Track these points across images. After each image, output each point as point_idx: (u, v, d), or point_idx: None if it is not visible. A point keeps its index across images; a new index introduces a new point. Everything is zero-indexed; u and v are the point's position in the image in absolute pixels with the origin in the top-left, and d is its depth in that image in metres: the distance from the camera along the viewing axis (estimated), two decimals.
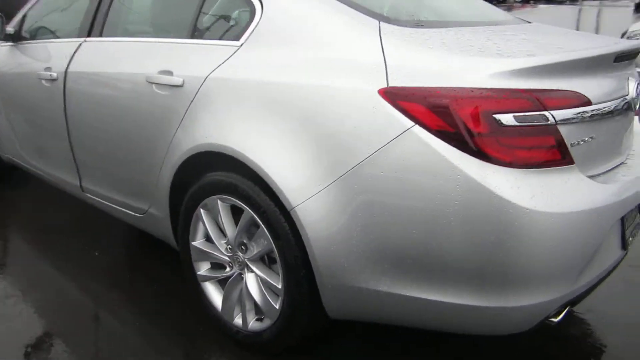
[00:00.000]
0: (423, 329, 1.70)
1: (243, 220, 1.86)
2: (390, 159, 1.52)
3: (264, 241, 1.82)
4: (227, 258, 2.00)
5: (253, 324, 1.98)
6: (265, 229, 1.79)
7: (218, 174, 1.91)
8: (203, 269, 2.12)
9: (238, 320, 2.02)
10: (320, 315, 1.79)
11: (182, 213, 2.09)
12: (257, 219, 1.80)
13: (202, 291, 2.13)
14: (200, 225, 2.06)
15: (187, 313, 2.27)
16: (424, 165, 1.49)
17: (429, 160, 1.48)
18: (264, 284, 1.90)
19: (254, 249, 1.88)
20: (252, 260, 1.91)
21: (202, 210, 2.01)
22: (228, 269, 2.02)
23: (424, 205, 1.49)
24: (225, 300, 2.04)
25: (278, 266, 1.80)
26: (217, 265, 2.10)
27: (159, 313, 2.29)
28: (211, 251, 2.05)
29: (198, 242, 2.09)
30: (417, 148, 1.49)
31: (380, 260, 1.59)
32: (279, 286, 1.82)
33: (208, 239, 2.08)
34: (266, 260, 1.92)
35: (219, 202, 1.93)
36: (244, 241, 1.91)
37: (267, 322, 1.93)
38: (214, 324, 2.12)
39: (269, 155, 1.72)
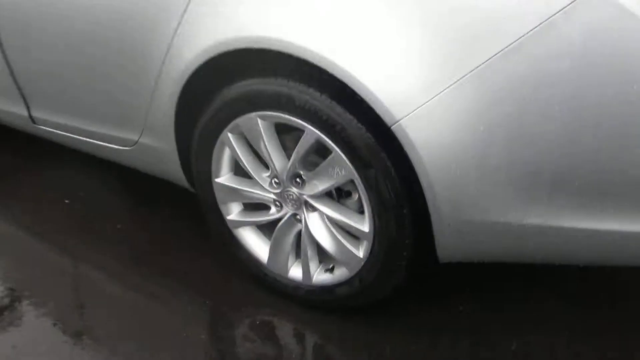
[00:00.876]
0: (573, 264, 1.30)
1: (303, 144, 1.32)
2: (558, 39, 1.00)
3: (340, 171, 1.30)
4: (272, 196, 1.48)
5: (319, 276, 1.51)
6: (342, 155, 1.27)
7: (258, 81, 1.33)
8: (234, 211, 1.59)
9: (295, 273, 1.55)
10: (425, 260, 1.35)
11: (197, 141, 1.52)
12: (328, 141, 1.28)
13: (236, 241, 1.62)
14: (227, 154, 1.50)
15: (216, 270, 1.77)
16: (619, 41, 0.99)
17: (628, 33, 0.98)
18: (335, 226, 1.42)
19: (320, 183, 1.37)
20: (316, 197, 1.40)
21: (230, 135, 1.44)
22: (274, 209, 1.51)
23: (616, 104, 1.02)
24: (274, 249, 1.54)
25: (364, 203, 1.31)
26: (255, 206, 1.58)
27: (181, 276, 1.78)
28: (247, 189, 1.51)
29: (224, 178, 1.54)
30: (607, 14, 0.98)
31: (532, 186, 1.13)
32: (365, 229, 1.34)
33: (238, 172, 1.55)
34: (334, 195, 1.42)
35: (260, 122, 1.37)
36: (300, 172, 1.39)
37: (341, 274, 1.46)
38: (256, 280, 1.64)
39: (352, 47, 1.16)
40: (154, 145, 1.66)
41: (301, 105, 1.27)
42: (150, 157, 1.72)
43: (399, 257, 1.33)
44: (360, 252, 1.38)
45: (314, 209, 1.43)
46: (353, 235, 1.40)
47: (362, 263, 1.38)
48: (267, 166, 1.47)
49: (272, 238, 1.53)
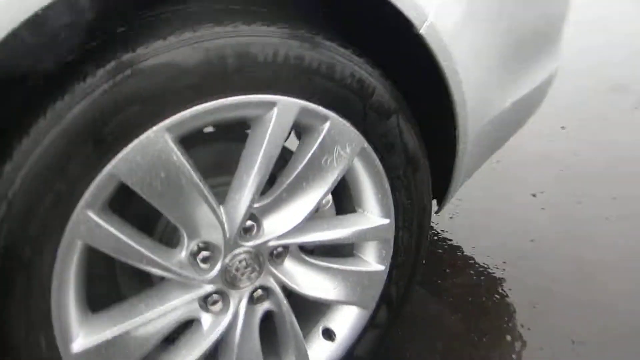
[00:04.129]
0: None
1: (276, 135, 0.70)
2: None
3: (341, 149, 0.75)
4: (203, 290, 0.74)
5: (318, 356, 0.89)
6: (341, 120, 0.74)
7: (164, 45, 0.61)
8: None
9: None
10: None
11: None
12: (319, 108, 0.72)
13: None
14: (76, 272, 0.65)
15: None
16: None
17: None
18: (322, 258, 0.85)
19: (301, 198, 0.76)
20: (289, 232, 0.78)
21: (92, 215, 0.62)
22: (209, 317, 0.76)
23: None
24: None
25: (370, 184, 0.83)
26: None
27: None
28: (149, 314, 0.70)
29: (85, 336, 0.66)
30: None
31: None
32: (382, 221, 0.85)
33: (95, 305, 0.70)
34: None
35: (169, 140, 0.63)
36: (255, 206, 0.75)
37: (354, 323, 0.90)
38: None
39: None
40: None
41: (269, 65, 0.67)
42: None
43: (427, 228, 0.93)
44: (377, 263, 0.89)
45: (283, 254, 0.81)
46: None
47: (385, 275, 0.90)
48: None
49: None
